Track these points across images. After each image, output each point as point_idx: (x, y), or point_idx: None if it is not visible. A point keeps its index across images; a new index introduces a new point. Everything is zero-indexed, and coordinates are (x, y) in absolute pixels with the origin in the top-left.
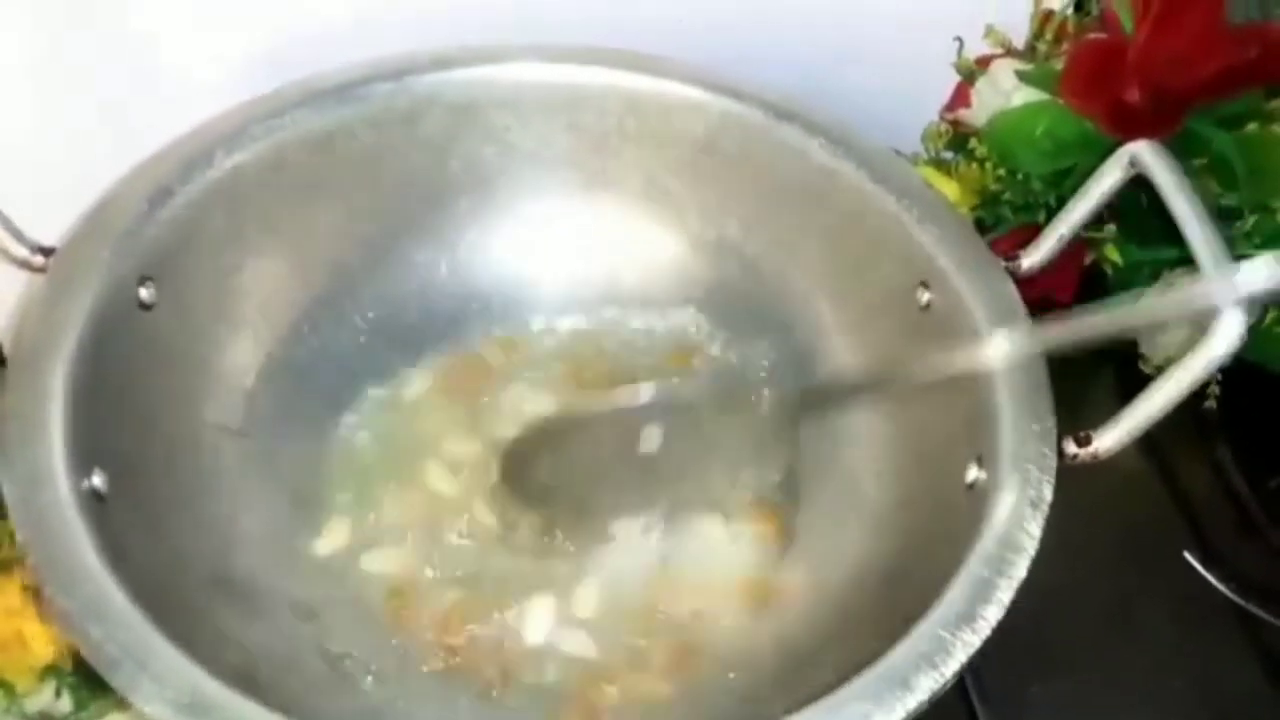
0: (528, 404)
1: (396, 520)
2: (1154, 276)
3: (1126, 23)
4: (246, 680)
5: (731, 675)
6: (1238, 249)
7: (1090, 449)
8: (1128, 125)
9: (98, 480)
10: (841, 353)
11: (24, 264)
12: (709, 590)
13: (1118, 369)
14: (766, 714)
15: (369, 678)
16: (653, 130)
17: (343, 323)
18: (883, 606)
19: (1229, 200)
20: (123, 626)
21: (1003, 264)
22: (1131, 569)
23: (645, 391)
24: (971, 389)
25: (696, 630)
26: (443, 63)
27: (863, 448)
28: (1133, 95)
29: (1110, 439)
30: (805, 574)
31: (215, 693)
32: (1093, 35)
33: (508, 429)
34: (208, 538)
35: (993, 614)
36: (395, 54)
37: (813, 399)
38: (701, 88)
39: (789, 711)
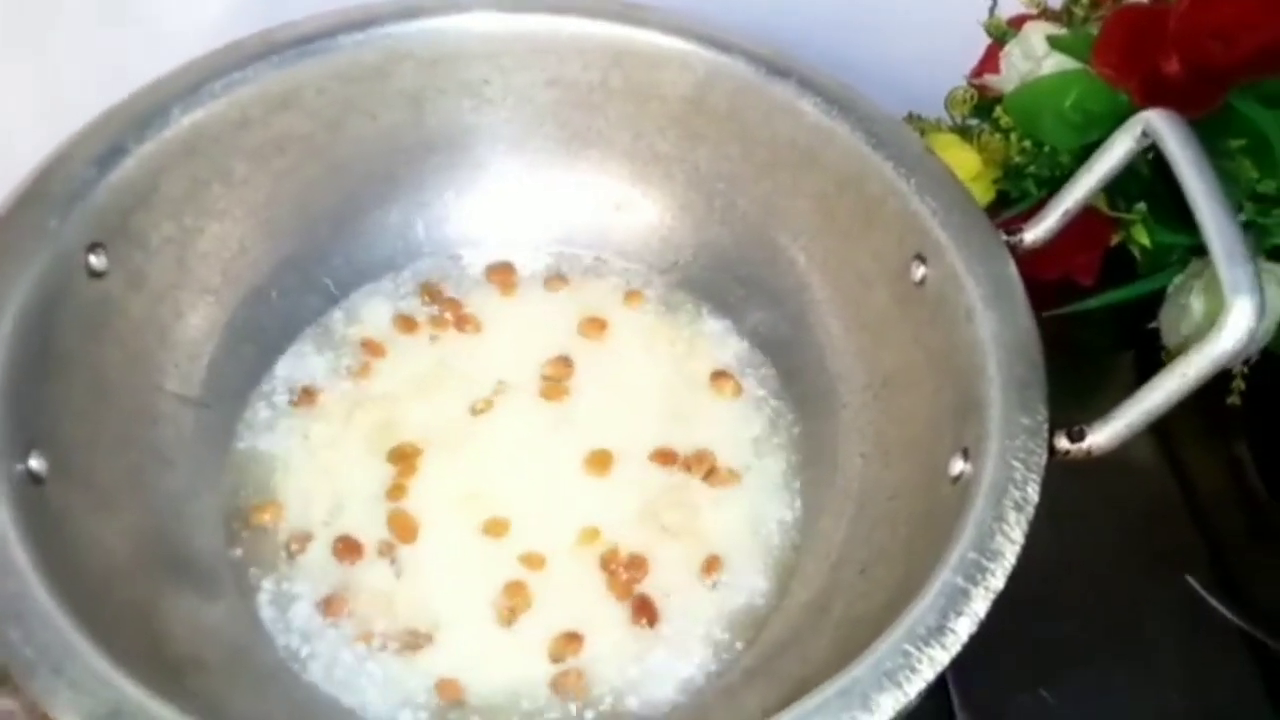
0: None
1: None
2: (1183, 261)
3: None
4: (193, 670)
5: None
6: (1276, 237)
7: (1084, 445)
8: (1163, 100)
9: (35, 462)
10: (832, 325)
11: None
12: None
13: (1139, 355)
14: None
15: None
16: (640, 85)
17: (311, 287)
18: (861, 600)
19: (1266, 186)
20: (44, 627)
21: (1004, 239)
22: (1134, 577)
23: None
24: (961, 375)
25: None
26: (412, 12)
27: (850, 434)
28: (1171, 68)
29: (1105, 435)
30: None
31: (139, 702)
32: (1131, 0)
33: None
34: (163, 515)
35: (965, 627)
36: (362, 3)
37: None
38: (690, 39)
39: None
